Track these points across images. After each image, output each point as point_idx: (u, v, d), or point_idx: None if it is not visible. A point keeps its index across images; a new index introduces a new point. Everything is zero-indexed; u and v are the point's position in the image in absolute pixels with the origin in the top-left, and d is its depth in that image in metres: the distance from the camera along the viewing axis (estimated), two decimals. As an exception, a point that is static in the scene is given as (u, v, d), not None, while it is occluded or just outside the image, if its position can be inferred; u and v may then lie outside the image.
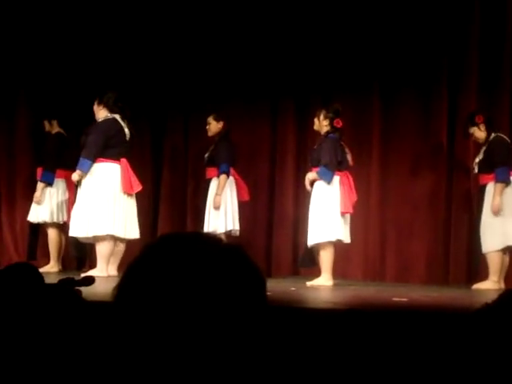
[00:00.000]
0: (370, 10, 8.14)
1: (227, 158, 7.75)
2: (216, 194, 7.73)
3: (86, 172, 7.18)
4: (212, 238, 1.17)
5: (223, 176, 7.74)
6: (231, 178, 7.86)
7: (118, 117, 7.35)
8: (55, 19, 8.60)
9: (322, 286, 7.01)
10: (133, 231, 7.35)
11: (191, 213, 8.59)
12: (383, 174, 8.22)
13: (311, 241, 7.14)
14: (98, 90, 7.73)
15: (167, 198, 8.70)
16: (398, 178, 8.15)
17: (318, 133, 7.47)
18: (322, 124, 7.23)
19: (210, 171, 7.89)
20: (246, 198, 7.95)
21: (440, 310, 5.08)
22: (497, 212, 7.02)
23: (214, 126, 7.89)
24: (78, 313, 1.77)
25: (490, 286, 6.98)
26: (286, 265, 8.45)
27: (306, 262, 7.31)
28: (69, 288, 1.95)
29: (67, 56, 8.60)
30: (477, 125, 7.23)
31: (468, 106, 7.93)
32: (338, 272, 7.30)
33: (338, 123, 7.20)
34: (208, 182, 7.88)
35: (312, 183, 7.22)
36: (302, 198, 8.20)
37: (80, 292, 2.09)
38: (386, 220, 8.22)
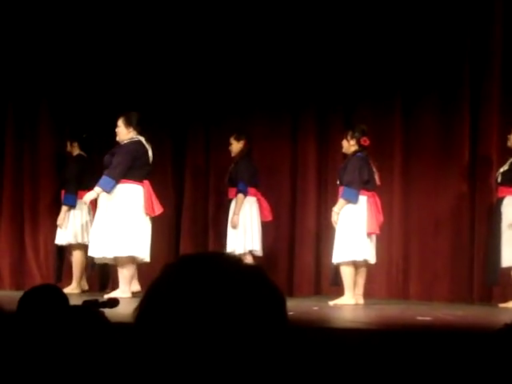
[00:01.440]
0: (391, 24, 8.15)
1: (244, 177, 7.76)
2: (234, 214, 7.75)
3: (108, 192, 7.18)
4: (232, 259, 1.18)
5: (240, 195, 7.75)
6: (253, 197, 7.86)
7: (143, 139, 7.39)
8: (75, 41, 8.67)
9: (345, 304, 7.00)
10: (147, 254, 7.37)
11: (213, 231, 8.60)
12: (405, 190, 8.20)
13: (336, 259, 7.15)
14: (118, 110, 7.78)
15: (189, 216, 8.72)
16: (421, 194, 8.12)
17: (342, 151, 7.53)
18: (349, 144, 7.28)
19: (231, 191, 7.92)
20: (269, 218, 7.95)
21: (465, 330, 5.05)
22: (510, 228, 7.01)
23: (235, 146, 7.92)
24: (102, 334, 1.78)
25: None
26: (309, 284, 8.43)
27: (336, 280, 7.31)
28: (93, 310, 1.96)
29: (87, 76, 8.66)
30: None
31: (490, 119, 7.91)
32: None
33: (365, 141, 7.25)
34: (230, 201, 7.91)
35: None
36: (323, 216, 8.19)
37: (103, 313, 2.10)
38: (408, 237, 8.19)
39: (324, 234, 8.22)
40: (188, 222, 8.70)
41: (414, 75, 8.13)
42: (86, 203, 7.43)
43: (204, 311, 1.08)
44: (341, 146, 7.50)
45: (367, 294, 7.36)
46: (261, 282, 1.14)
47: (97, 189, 7.22)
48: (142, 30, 8.59)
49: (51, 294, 2.28)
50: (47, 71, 8.73)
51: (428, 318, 5.66)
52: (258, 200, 7.90)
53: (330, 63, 8.36)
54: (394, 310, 6.65)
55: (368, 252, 7.17)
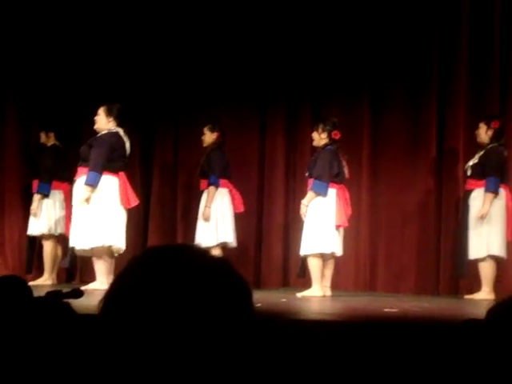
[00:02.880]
0: (360, 17, 8.17)
1: (216, 169, 7.75)
2: (205, 206, 7.73)
3: (95, 186, 7.14)
4: (198, 251, 1.17)
5: (212, 188, 7.74)
6: (225, 189, 7.85)
7: (121, 131, 7.35)
8: (40, 32, 8.58)
9: (313, 296, 7.02)
10: (123, 243, 7.34)
11: (181, 226, 8.58)
12: (373, 183, 8.24)
13: (304, 251, 7.17)
14: (86, 104, 7.72)
15: (157, 211, 8.68)
16: (388, 188, 8.17)
17: (310, 143, 7.56)
18: (320, 137, 7.30)
19: (203, 183, 7.90)
20: (241, 209, 7.95)
21: (431, 321, 5.09)
22: (482, 220, 7.08)
23: (208, 137, 7.90)
24: (68, 325, 1.76)
25: (483, 296, 7.00)
26: (277, 275, 8.44)
27: (304, 272, 7.33)
28: (57, 301, 1.94)
29: (54, 68, 8.57)
30: (488, 127, 7.26)
31: (456, 113, 7.97)
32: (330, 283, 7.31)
33: (336, 135, 7.29)
34: (201, 193, 7.88)
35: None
36: (292, 208, 8.20)
37: (69, 305, 2.08)
38: (376, 230, 8.23)
39: (292, 226, 8.23)
40: (156, 218, 8.67)
41: (382, 69, 8.17)
42: (86, 203, 7.24)
43: (169, 303, 1.08)
44: (309, 139, 7.52)
45: (335, 286, 7.39)
46: (227, 274, 1.13)
47: (87, 188, 7.16)
48: (110, 22, 8.52)
49: (14, 285, 2.25)
50: (12, 63, 8.63)
51: (395, 310, 5.70)
52: (230, 191, 7.89)
53: (299, 56, 8.36)
54: (361, 302, 6.69)
55: (336, 244, 7.20)
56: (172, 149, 8.69)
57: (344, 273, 8.05)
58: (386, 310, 5.73)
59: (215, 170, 7.74)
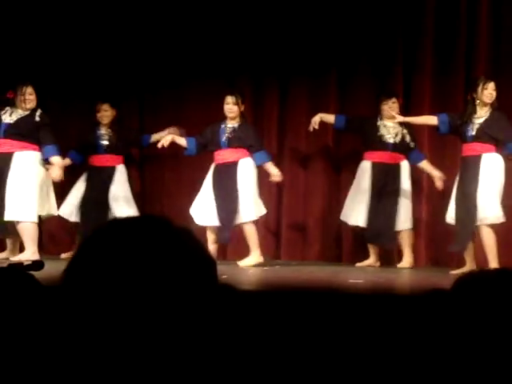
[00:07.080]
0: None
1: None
2: None
3: None
4: (162, 220, 1.17)
5: None
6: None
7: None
8: None
9: (258, 263, 6.99)
10: (52, 208, 7.30)
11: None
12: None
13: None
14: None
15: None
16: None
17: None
18: (241, 110, 7.31)
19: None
20: None
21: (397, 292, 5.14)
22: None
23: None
24: (32, 296, 1.76)
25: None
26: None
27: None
28: (22, 272, 1.93)
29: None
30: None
31: (422, 89, 8.02)
32: (297, 255, 7.31)
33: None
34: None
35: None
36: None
37: (33, 276, 2.07)
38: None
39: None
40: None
41: (349, 46, 8.15)
42: None
43: (134, 272, 1.08)
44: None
45: (302, 257, 7.38)
46: (191, 244, 1.14)
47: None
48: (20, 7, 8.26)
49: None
50: None
51: (360, 281, 5.75)
52: None
53: (266, 35, 8.28)
54: (326, 273, 6.70)
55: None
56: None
57: (311, 244, 8.07)
58: (351, 281, 5.78)
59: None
